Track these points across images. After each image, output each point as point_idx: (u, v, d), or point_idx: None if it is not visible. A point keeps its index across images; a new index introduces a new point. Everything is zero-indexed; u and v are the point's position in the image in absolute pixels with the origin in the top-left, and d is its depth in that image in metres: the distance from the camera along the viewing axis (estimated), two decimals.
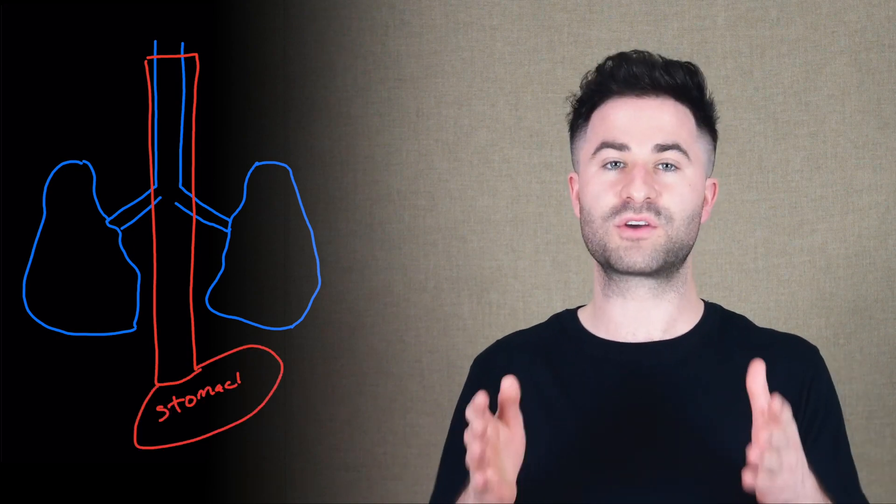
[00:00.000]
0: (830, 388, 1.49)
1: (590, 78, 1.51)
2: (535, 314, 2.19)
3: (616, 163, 1.45)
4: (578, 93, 1.52)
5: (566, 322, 1.55)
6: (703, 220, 1.50)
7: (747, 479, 1.22)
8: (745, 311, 2.15)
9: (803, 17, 2.19)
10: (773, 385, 1.45)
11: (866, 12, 2.17)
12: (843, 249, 2.16)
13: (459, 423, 1.52)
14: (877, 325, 2.15)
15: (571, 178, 1.54)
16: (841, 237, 2.16)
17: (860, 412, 2.13)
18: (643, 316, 1.48)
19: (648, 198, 1.43)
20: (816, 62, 2.18)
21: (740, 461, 1.40)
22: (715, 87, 2.21)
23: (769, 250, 2.18)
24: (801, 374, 1.47)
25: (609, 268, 1.47)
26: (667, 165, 1.45)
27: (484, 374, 1.53)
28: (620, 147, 1.45)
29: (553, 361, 1.50)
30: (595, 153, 1.47)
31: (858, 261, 2.16)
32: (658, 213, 1.43)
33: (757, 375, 1.23)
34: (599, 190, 1.45)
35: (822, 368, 1.50)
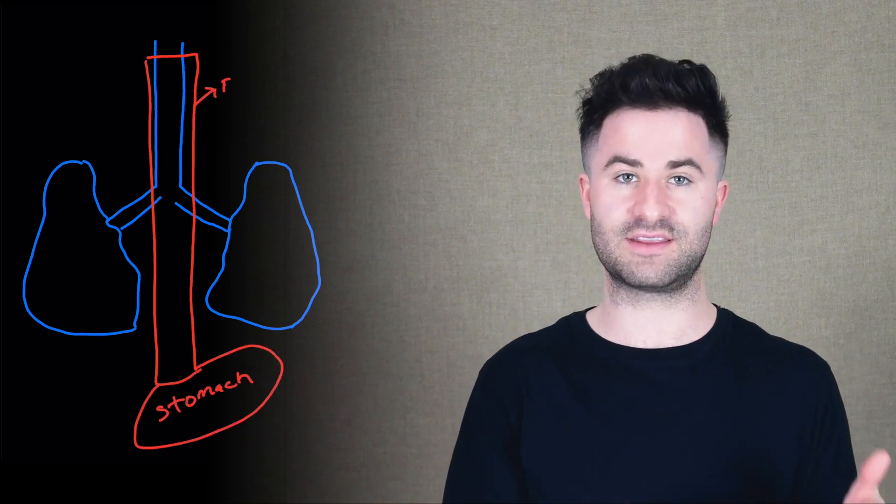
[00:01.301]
0: (842, 408, 1.50)
1: (599, 82, 1.48)
2: (535, 314, 2.19)
3: (628, 176, 1.44)
4: (588, 87, 1.50)
5: (575, 326, 1.54)
6: (714, 221, 1.50)
7: None
8: (745, 311, 2.15)
9: (803, 17, 2.19)
10: (787, 396, 1.46)
11: (866, 12, 2.17)
12: (843, 249, 2.16)
13: (473, 431, 1.52)
14: (877, 325, 2.15)
15: (582, 178, 1.53)
16: (841, 237, 2.16)
17: (860, 412, 2.13)
18: (654, 326, 1.48)
19: (662, 216, 1.42)
20: (816, 62, 2.18)
21: (752, 468, 1.41)
22: None
23: (769, 250, 2.18)
24: (816, 392, 1.47)
25: (621, 280, 1.46)
26: (679, 179, 1.43)
27: (493, 380, 1.52)
28: (633, 163, 1.43)
29: (563, 365, 1.49)
30: (607, 166, 1.45)
31: (858, 261, 2.16)
32: (672, 228, 1.42)
33: (878, 466, 1.17)
34: (611, 204, 1.44)
35: (835, 388, 1.50)
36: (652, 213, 1.41)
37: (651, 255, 1.42)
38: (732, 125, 2.18)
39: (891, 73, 2.17)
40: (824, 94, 2.18)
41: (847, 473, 1.46)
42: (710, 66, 2.19)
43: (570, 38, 2.23)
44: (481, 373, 1.55)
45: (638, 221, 1.42)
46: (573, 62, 2.21)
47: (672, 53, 1.97)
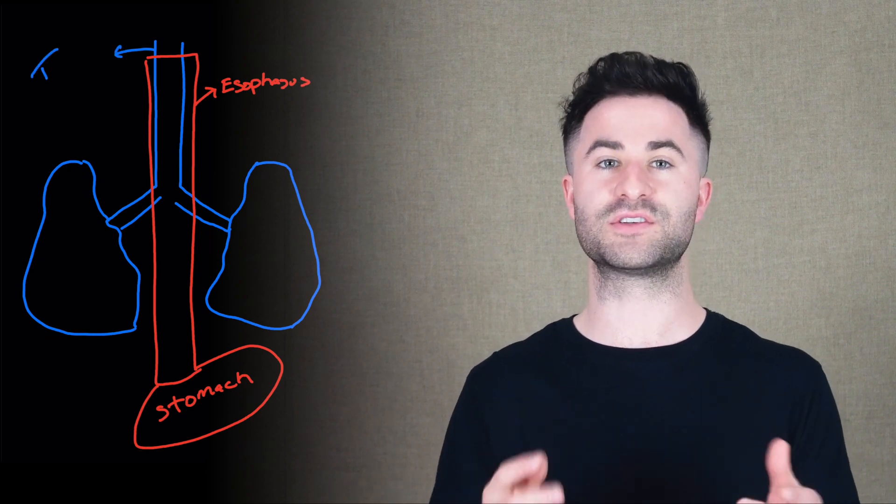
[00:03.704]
0: (832, 406, 1.49)
1: (582, 80, 1.51)
2: (535, 314, 2.19)
3: (610, 161, 1.44)
4: (571, 97, 1.52)
5: (562, 331, 1.54)
6: (697, 219, 1.50)
7: None
8: (745, 311, 2.15)
9: (803, 17, 2.19)
10: (775, 394, 1.45)
11: (866, 12, 2.17)
12: (843, 249, 2.16)
13: (456, 437, 1.52)
14: (877, 325, 2.15)
15: (566, 181, 1.54)
16: (841, 237, 2.16)
17: (860, 412, 2.13)
18: (639, 319, 1.47)
19: (643, 195, 1.42)
20: (816, 62, 2.18)
21: (742, 467, 1.40)
22: (715, 87, 2.22)
23: (769, 250, 2.18)
24: (804, 387, 1.46)
25: (605, 265, 1.46)
26: (661, 163, 1.44)
27: (479, 388, 1.52)
28: (614, 145, 1.44)
29: (551, 370, 1.49)
30: (589, 152, 1.46)
31: (858, 261, 2.16)
32: (654, 209, 1.42)
33: (779, 456, 1.19)
34: (593, 188, 1.45)
35: (825, 384, 1.49)
36: (633, 190, 1.41)
37: (634, 235, 1.42)
38: (732, 125, 2.19)
39: (891, 73, 2.17)
40: (824, 94, 2.18)
41: (840, 472, 1.46)
42: (710, 66, 2.20)
43: (570, 38, 2.23)
44: (468, 380, 1.55)
45: (620, 202, 1.42)
46: (573, 62, 2.21)
47: (672, 53, 1.97)
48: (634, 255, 1.43)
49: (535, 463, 1.20)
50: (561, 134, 1.55)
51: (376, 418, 2.21)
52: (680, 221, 1.44)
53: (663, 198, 1.43)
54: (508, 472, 1.19)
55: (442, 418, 2.19)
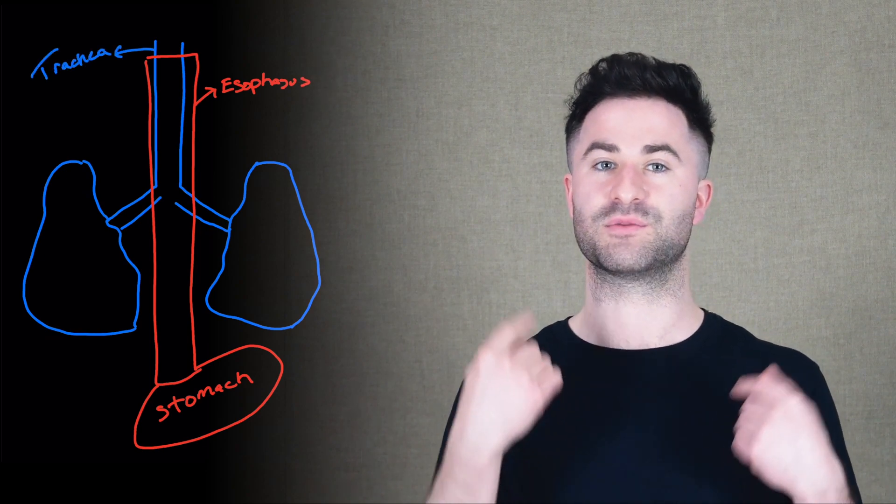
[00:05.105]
0: (832, 407, 1.48)
1: (583, 80, 1.51)
2: (535, 314, 2.19)
3: (607, 163, 1.45)
4: (574, 95, 1.53)
5: (558, 333, 1.54)
6: (696, 221, 1.49)
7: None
8: (745, 311, 2.15)
9: (803, 17, 2.19)
10: None
11: (866, 12, 2.17)
12: (843, 249, 2.16)
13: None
14: (877, 325, 2.15)
15: (567, 179, 1.54)
16: (841, 237, 2.16)
17: (860, 412, 2.13)
18: (638, 322, 1.47)
19: (636, 198, 1.42)
20: (816, 62, 2.19)
21: (740, 467, 1.40)
22: (715, 87, 2.22)
23: (769, 250, 2.18)
24: (801, 386, 1.46)
25: (599, 266, 1.46)
26: (657, 166, 1.44)
27: None
28: (610, 148, 1.44)
29: None
30: (586, 154, 1.47)
31: (858, 261, 2.16)
32: (646, 213, 1.43)
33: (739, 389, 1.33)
34: (589, 190, 1.45)
35: (823, 385, 1.49)
36: (627, 194, 1.42)
37: (627, 237, 1.43)
38: (732, 125, 2.19)
39: (891, 73, 2.17)
40: (824, 94, 2.18)
41: (848, 476, 1.45)
42: (710, 66, 2.20)
43: (570, 38, 2.23)
44: (463, 382, 1.55)
45: (614, 205, 1.43)
46: (573, 62, 2.21)
47: (672, 53, 1.97)
48: (627, 255, 1.43)
49: (528, 317, 1.33)
50: (564, 132, 1.55)
51: (376, 418, 2.21)
52: (673, 224, 1.44)
53: (656, 201, 1.43)
54: (504, 335, 1.35)
55: (442, 418, 2.19)
